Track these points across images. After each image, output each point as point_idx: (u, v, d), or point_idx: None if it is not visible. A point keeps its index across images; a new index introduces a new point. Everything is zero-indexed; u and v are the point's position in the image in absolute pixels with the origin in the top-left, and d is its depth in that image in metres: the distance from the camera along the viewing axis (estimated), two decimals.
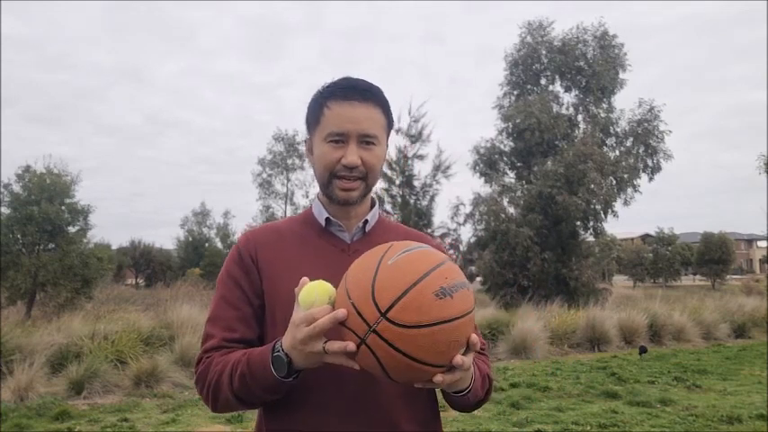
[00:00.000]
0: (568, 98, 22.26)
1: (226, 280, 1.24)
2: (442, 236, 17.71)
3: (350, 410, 1.13)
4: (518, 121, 20.35)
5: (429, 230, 16.66)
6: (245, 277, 1.22)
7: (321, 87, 1.25)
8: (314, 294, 1.02)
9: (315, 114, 1.24)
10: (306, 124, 1.29)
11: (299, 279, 1.13)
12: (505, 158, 21.89)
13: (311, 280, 1.10)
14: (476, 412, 5.72)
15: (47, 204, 17.13)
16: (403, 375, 0.97)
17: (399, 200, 16.21)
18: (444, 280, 0.95)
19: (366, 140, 1.20)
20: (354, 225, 1.29)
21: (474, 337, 0.99)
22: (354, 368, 0.98)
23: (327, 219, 1.26)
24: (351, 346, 0.95)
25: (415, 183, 16.41)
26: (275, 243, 1.26)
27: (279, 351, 1.04)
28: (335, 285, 1.06)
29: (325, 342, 0.98)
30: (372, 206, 1.33)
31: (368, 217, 1.30)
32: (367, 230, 1.30)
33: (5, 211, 17.47)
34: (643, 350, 9.48)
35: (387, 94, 1.26)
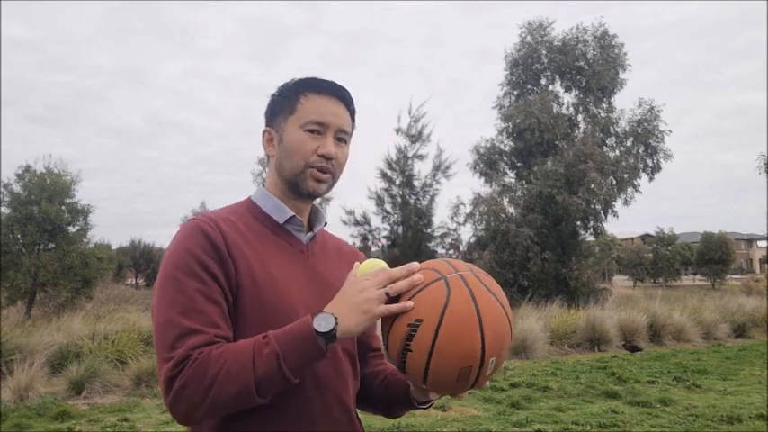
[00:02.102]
0: (568, 98, 22.31)
1: (197, 270, 1.04)
2: (442, 236, 17.71)
3: (328, 412, 1.12)
4: (518, 120, 20.36)
5: (429, 230, 16.68)
6: (220, 268, 1.06)
7: (292, 80, 1.22)
8: (379, 266, 1.08)
9: (289, 103, 1.19)
10: (270, 114, 1.23)
11: (270, 277, 1.11)
12: (505, 158, 21.91)
13: (280, 282, 1.12)
14: (475, 412, 5.72)
15: (47, 204, 17.14)
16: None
17: (399, 200, 16.21)
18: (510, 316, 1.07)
19: (341, 137, 1.19)
20: (307, 224, 1.26)
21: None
22: (407, 307, 1.00)
23: (292, 217, 1.20)
24: (418, 276, 1.02)
25: (415, 183, 16.42)
26: (238, 236, 1.13)
27: (321, 313, 1.00)
28: (303, 287, 1.14)
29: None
30: (314, 208, 1.29)
31: (326, 220, 1.29)
32: (315, 232, 1.26)
33: (5, 211, 17.49)
34: (634, 349, 9.46)
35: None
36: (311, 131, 1.16)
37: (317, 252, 1.24)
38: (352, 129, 1.25)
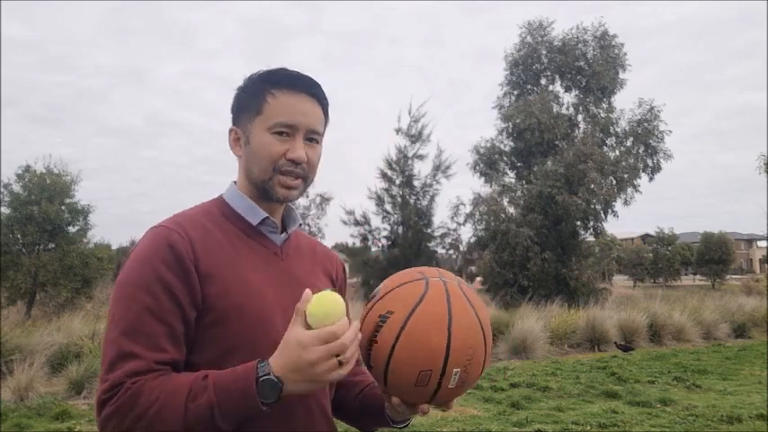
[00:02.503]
0: (568, 98, 22.32)
1: (152, 284, 0.97)
2: (442, 236, 17.71)
3: (310, 418, 1.11)
4: (518, 120, 20.37)
5: (429, 230, 16.67)
6: (182, 283, 0.99)
7: (258, 74, 1.14)
8: (329, 305, 0.93)
9: (255, 101, 1.10)
10: (235, 111, 1.16)
11: (243, 281, 1.05)
12: (505, 158, 21.91)
13: (254, 286, 1.05)
14: (475, 412, 5.72)
15: (47, 204, 17.15)
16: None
17: (399, 200, 16.20)
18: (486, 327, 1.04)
19: (311, 137, 1.12)
20: (280, 225, 1.20)
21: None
22: (349, 369, 0.94)
23: (266, 218, 1.14)
24: (358, 336, 0.96)
25: (415, 183, 16.40)
26: (208, 239, 1.06)
27: (268, 375, 0.91)
28: (277, 290, 1.08)
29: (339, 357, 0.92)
30: (287, 207, 1.22)
31: (300, 221, 1.24)
32: (289, 233, 1.20)
33: (5, 211, 17.50)
34: (626, 349, 9.48)
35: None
36: (279, 134, 1.08)
37: (291, 253, 1.19)
38: (326, 124, 1.17)
